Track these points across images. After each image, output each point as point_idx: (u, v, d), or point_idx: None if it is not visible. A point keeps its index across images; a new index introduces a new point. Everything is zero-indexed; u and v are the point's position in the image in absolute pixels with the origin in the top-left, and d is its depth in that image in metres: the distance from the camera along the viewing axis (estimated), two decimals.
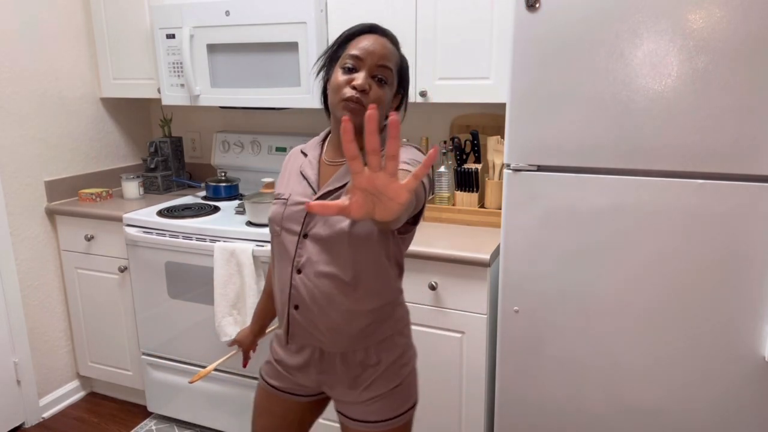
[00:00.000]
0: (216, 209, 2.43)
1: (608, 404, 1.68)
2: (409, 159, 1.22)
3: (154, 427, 2.50)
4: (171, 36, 2.37)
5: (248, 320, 2.10)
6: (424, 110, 2.47)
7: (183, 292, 2.31)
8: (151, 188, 2.76)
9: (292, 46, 2.18)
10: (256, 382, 2.28)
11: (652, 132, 1.48)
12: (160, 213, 2.36)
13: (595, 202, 1.57)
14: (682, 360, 1.57)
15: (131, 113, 2.93)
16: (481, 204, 2.22)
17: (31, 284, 2.51)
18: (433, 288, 1.90)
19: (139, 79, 2.58)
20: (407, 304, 1.96)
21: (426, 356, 1.99)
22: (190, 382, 1.58)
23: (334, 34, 2.17)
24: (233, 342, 1.64)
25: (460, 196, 2.18)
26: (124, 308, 2.50)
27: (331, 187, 1.28)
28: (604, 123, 1.51)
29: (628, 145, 1.50)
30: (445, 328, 1.94)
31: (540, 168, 1.61)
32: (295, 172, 1.36)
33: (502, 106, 2.25)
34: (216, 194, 2.59)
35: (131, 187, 2.63)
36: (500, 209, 2.00)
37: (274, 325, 1.70)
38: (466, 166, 2.18)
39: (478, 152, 2.23)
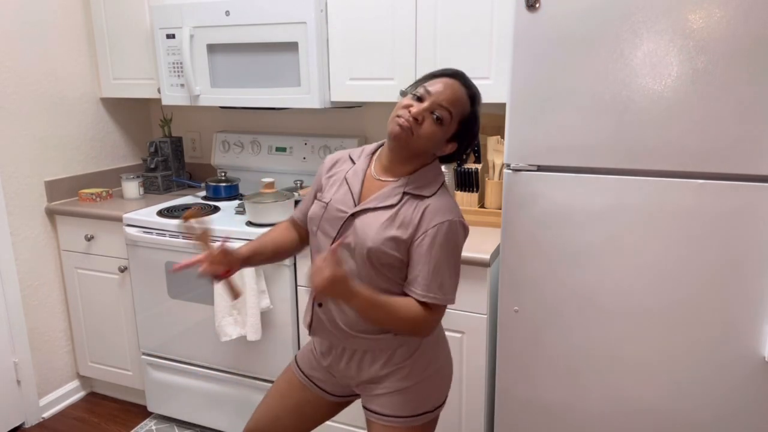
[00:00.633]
0: (216, 209, 2.43)
1: (608, 404, 1.68)
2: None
3: (154, 427, 2.50)
4: (171, 36, 2.37)
5: (248, 320, 2.10)
6: None
7: (183, 292, 2.31)
8: (151, 188, 2.76)
9: (292, 46, 2.18)
10: (256, 382, 2.28)
11: (651, 132, 1.48)
12: (160, 213, 2.36)
13: (595, 202, 1.57)
14: (682, 360, 1.57)
15: (131, 113, 2.93)
16: (481, 204, 2.22)
17: (31, 284, 2.51)
18: None
19: (139, 79, 2.58)
20: None
21: None
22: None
23: (334, 34, 2.17)
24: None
25: (460, 196, 2.18)
26: (124, 308, 2.50)
27: (369, 205, 1.32)
28: (604, 123, 1.51)
29: (628, 145, 1.50)
30: (445, 328, 1.94)
31: (540, 168, 1.61)
32: (341, 177, 1.41)
33: (502, 106, 2.24)
34: (216, 194, 2.59)
35: (131, 187, 2.63)
36: (500, 209, 2.00)
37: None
38: (466, 166, 2.18)
39: (478, 152, 2.23)
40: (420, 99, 1.29)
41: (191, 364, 2.40)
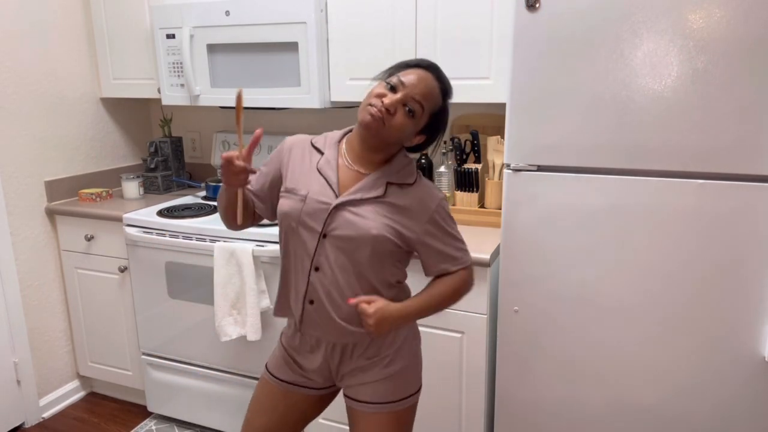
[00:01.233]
0: (216, 209, 2.43)
1: (608, 404, 1.68)
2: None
3: (154, 427, 2.50)
4: (171, 36, 2.37)
5: (248, 320, 2.10)
6: None
7: (183, 292, 2.31)
8: (151, 188, 2.76)
9: (292, 46, 2.18)
10: (256, 382, 2.28)
11: (651, 132, 1.48)
12: (160, 213, 2.36)
13: (595, 202, 1.57)
14: (682, 360, 1.57)
15: (131, 113, 2.93)
16: (481, 204, 2.22)
17: (31, 284, 2.51)
18: None
19: (139, 79, 2.58)
20: None
21: (426, 356, 1.99)
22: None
23: (334, 34, 2.17)
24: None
25: (460, 196, 2.18)
26: (124, 308, 2.50)
27: (355, 197, 1.33)
28: (604, 123, 1.51)
29: (628, 145, 1.50)
30: (445, 328, 1.94)
31: (540, 168, 1.61)
32: (309, 168, 1.38)
33: (502, 106, 2.25)
34: (216, 194, 2.59)
35: (131, 187, 2.63)
36: (500, 209, 2.00)
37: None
38: (466, 166, 2.18)
39: (478, 152, 2.23)
40: (393, 89, 1.29)
41: (191, 364, 2.40)
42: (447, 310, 1.92)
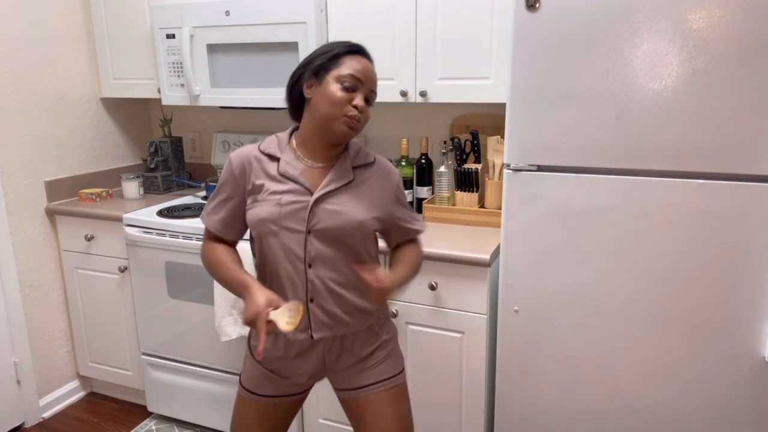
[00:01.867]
0: None
1: (608, 404, 1.68)
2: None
3: (154, 427, 2.50)
4: (171, 36, 2.37)
5: None
6: (424, 110, 2.47)
7: (183, 292, 2.31)
8: (151, 188, 2.76)
9: (292, 46, 2.18)
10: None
11: (652, 132, 1.48)
12: (160, 213, 2.36)
13: (595, 202, 1.57)
14: (682, 360, 1.57)
15: (131, 113, 2.93)
16: (481, 204, 2.22)
17: (31, 284, 2.51)
18: (433, 288, 1.89)
19: (139, 79, 2.58)
20: (407, 303, 1.97)
21: (426, 356, 1.99)
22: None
23: (334, 34, 2.17)
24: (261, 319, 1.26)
25: (460, 196, 2.18)
26: (124, 308, 2.50)
27: (330, 188, 1.35)
28: (604, 123, 1.51)
29: (628, 145, 1.50)
30: (445, 328, 1.94)
31: (540, 168, 1.61)
32: (273, 175, 1.36)
33: (502, 106, 2.25)
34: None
35: (131, 187, 2.63)
36: (500, 209, 2.00)
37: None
38: (466, 166, 2.18)
39: (478, 152, 2.23)
40: (351, 89, 1.29)
41: (191, 364, 2.40)
42: (447, 310, 1.92)
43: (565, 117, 1.55)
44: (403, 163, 2.27)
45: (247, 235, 1.72)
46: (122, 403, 2.71)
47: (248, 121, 2.85)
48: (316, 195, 1.33)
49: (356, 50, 1.34)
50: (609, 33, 1.46)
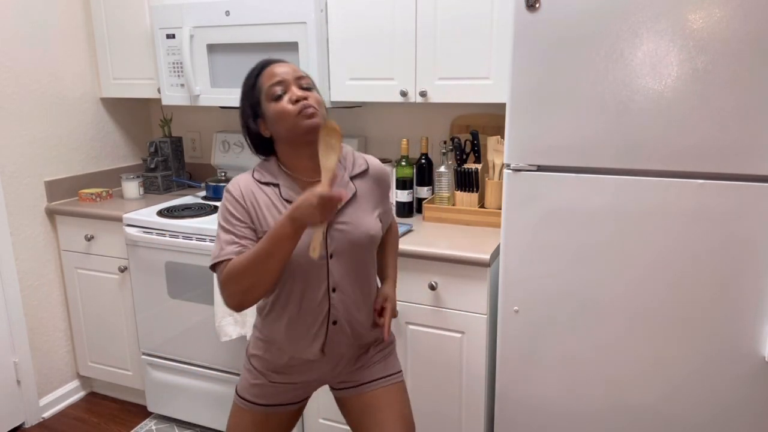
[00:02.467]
0: (216, 209, 2.43)
1: (608, 404, 1.68)
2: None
3: (154, 427, 2.50)
4: (171, 36, 2.37)
5: (248, 320, 2.10)
6: (424, 110, 2.47)
7: (183, 292, 2.31)
8: (151, 188, 2.76)
9: (292, 46, 2.18)
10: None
11: (652, 132, 1.48)
12: (160, 213, 2.36)
13: (595, 202, 1.57)
14: (682, 360, 1.57)
15: (131, 113, 2.93)
16: (481, 204, 2.22)
17: (31, 284, 2.51)
18: (433, 288, 1.90)
19: (139, 79, 2.58)
20: (407, 303, 1.97)
21: (426, 356, 1.99)
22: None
23: (334, 34, 2.17)
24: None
25: (460, 196, 2.18)
26: (124, 308, 2.50)
27: (339, 206, 1.32)
28: (604, 123, 1.51)
29: (628, 145, 1.50)
30: (445, 328, 1.94)
31: (540, 168, 1.61)
32: (276, 204, 1.33)
33: (502, 106, 2.25)
34: (216, 194, 2.59)
35: (131, 187, 2.63)
36: (500, 209, 2.00)
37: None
38: (466, 166, 2.18)
39: (478, 152, 2.23)
40: (282, 94, 1.30)
41: (191, 364, 2.40)
42: (447, 310, 1.92)
43: (565, 117, 1.55)
44: (403, 163, 2.27)
45: None
46: (122, 403, 2.71)
47: None
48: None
49: (262, 68, 1.34)
50: (609, 33, 1.46)
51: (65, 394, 2.69)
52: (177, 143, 2.83)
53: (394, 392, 1.47)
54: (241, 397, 1.48)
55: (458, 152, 2.21)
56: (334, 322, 1.37)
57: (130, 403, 2.71)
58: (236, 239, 1.29)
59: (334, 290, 1.34)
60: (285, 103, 1.28)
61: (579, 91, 1.52)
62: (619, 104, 1.49)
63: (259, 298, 1.26)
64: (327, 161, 1.22)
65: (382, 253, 1.57)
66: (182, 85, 2.41)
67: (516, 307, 1.71)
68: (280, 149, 1.35)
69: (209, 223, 2.22)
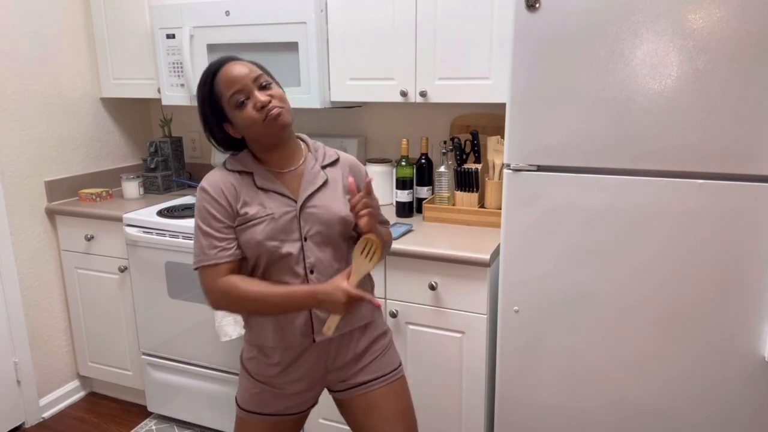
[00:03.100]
0: None
1: (608, 404, 1.68)
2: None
3: (154, 427, 2.50)
4: (171, 36, 2.37)
5: None
6: (424, 110, 2.47)
7: (183, 292, 2.31)
8: (151, 188, 2.76)
9: (292, 46, 2.18)
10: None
11: (652, 132, 1.48)
12: (160, 213, 2.36)
13: (595, 202, 1.57)
14: (683, 360, 1.57)
15: (131, 113, 2.93)
16: (481, 204, 2.22)
17: (31, 284, 2.51)
18: (433, 288, 1.90)
19: (139, 79, 2.58)
20: (407, 303, 1.97)
21: (426, 356, 1.99)
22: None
23: (334, 34, 2.17)
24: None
25: (460, 196, 2.18)
26: (124, 308, 2.50)
27: (309, 191, 1.37)
28: (604, 123, 1.51)
29: (628, 145, 1.50)
30: (445, 328, 1.94)
31: (540, 168, 1.61)
32: (254, 191, 1.36)
33: (502, 106, 2.25)
34: None
35: (131, 187, 2.63)
36: (500, 209, 2.00)
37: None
38: (466, 166, 2.18)
39: (478, 152, 2.23)
40: (246, 97, 1.30)
41: (191, 364, 2.40)
42: (447, 310, 1.92)
43: (565, 117, 1.55)
44: (403, 163, 2.27)
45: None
46: (122, 403, 2.71)
47: None
48: (300, 201, 1.35)
49: (215, 72, 1.32)
50: (609, 33, 1.46)
51: (65, 394, 2.69)
52: (177, 143, 2.83)
53: (393, 390, 1.47)
54: (243, 409, 1.47)
55: (458, 152, 2.21)
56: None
57: (130, 403, 2.71)
58: (217, 242, 1.33)
59: (311, 272, 1.36)
60: (250, 111, 1.30)
61: (579, 91, 1.52)
62: (619, 104, 1.49)
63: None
64: (360, 266, 1.30)
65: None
66: (182, 85, 2.41)
67: (516, 307, 1.71)
68: (252, 146, 1.39)
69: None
